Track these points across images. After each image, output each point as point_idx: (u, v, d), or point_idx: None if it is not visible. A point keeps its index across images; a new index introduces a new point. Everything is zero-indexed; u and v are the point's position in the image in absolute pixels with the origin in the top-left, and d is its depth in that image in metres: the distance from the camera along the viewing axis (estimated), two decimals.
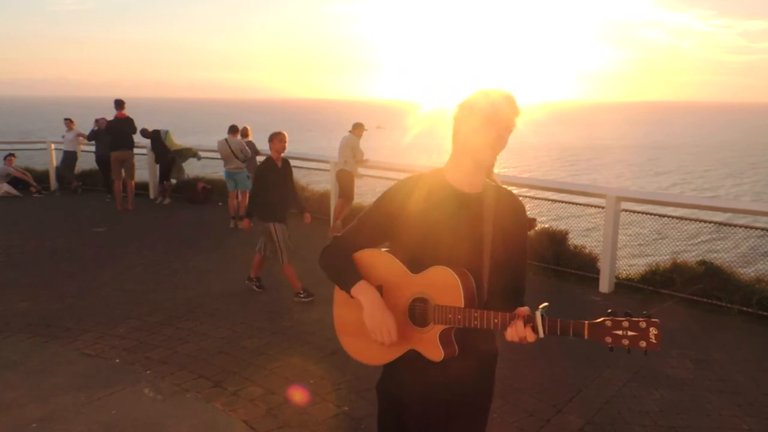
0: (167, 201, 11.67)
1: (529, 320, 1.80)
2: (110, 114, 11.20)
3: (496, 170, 5.28)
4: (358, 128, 9.76)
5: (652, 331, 1.68)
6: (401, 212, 1.96)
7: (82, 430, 3.65)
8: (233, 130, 9.81)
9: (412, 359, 1.97)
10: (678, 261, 6.43)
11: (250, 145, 10.51)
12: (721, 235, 7.17)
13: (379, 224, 2.02)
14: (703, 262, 6.32)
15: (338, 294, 2.08)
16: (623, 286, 6.57)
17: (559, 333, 1.78)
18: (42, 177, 13.14)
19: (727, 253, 7.02)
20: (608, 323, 1.72)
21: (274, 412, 3.87)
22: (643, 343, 1.69)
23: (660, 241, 7.66)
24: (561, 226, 7.72)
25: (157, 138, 11.46)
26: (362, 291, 1.96)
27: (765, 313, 5.59)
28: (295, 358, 4.63)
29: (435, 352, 1.91)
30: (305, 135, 54.89)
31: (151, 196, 12.12)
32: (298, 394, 4.08)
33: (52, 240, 8.64)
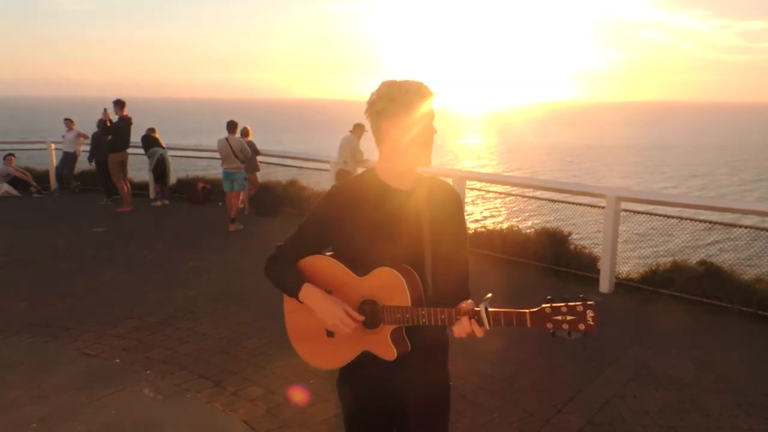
0: (162, 202, 11.42)
1: (474, 314, 1.81)
2: (112, 114, 11.15)
3: (501, 172, 5.24)
4: (358, 128, 9.76)
5: (589, 313, 1.71)
6: (338, 217, 1.97)
7: (82, 430, 3.65)
8: (232, 127, 9.44)
9: (364, 357, 1.99)
10: (678, 261, 6.42)
11: (251, 145, 10.50)
12: (724, 235, 7.17)
13: (317, 231, 2.03)
14: (703, 262, 6.32)
15: (287, 302, 2.09)
16: (623, 286, 6.55)
17: (503, 324, 1.79)
18: (42, 177, 13.14)
19: (729, 253, 7.01)
20: (548, 310, 1.75)
21: (274, 412, 3.88)
22: (582, 326, 1.72)
23: (660, 240, 7.64)
24: (561, 226, 7.71)
25: (149, 138, 11.40)
26: (309, 294, 1.96)
27: (765, 313, 5.58)
28: (295, 358, 4.57)
29: (388, 352, 1.93)
30: (308, 135, 54.85)
31: (151, 196, 12.11)
32: (298, 394, 4.08)
33: (52, 240, 8.64)
